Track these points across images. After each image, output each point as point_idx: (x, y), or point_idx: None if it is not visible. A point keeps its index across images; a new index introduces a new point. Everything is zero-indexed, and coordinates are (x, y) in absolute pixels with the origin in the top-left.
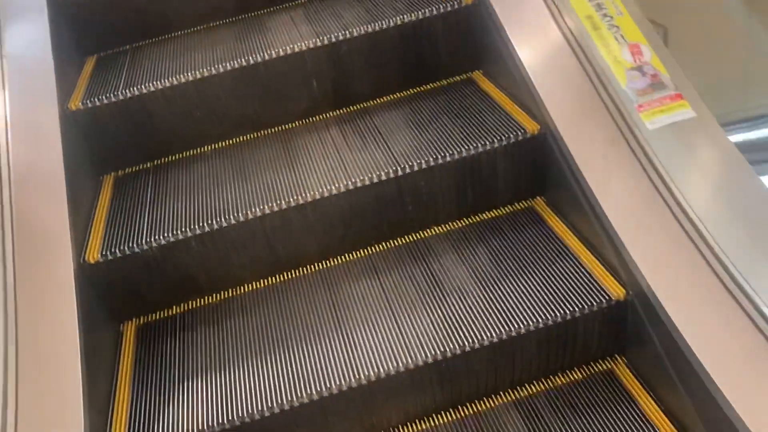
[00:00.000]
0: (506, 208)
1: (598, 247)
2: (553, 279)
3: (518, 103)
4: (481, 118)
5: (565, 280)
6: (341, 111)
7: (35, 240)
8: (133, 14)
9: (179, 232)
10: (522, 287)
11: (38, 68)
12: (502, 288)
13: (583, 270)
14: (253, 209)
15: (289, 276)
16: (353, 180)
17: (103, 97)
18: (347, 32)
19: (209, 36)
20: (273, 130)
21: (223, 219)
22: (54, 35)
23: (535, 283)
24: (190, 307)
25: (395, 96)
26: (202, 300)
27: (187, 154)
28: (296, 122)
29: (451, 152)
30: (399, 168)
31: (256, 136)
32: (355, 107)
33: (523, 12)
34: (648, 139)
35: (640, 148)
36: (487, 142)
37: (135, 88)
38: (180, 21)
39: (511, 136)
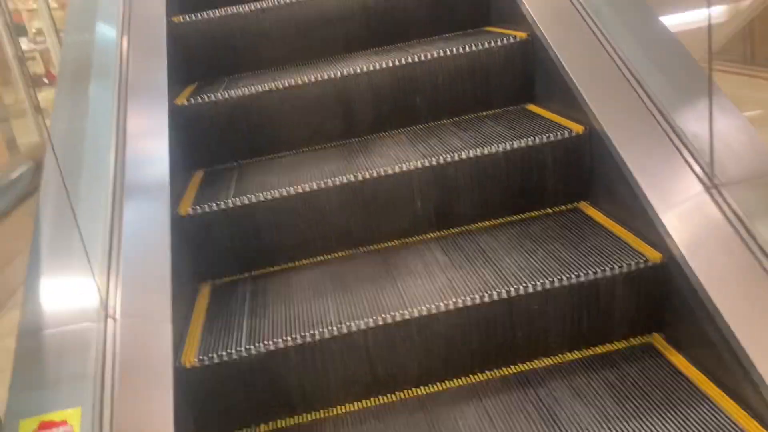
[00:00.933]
0: (622, 342)
1: (743, 395)
2: (690, 424)
3: (634, 231)
4: (595, 244)
5: (705, 427)
6: (443, 232)
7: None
8: (244, 135)
9: (279, 339)
10: (657, 430)
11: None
12: (631, 429)
13: (724, 416)
14: (357, 322)
15: (387, 400)
16: (463, 298)
17: (213, 204)
18: (455, 155)
19: (317, 156)
20: (374, 247)
21: (325, 330)
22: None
23: (670, 427)
24: (279, 426)
25: (498, 221)
26: (293, 419)
27: (287, 266)
28: (397, 241)
29: (568, 276)
30: (512, 289)
31: (356, 252)
32: (457, 229)
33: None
34: None
35: None
36: (607, 268)
37: (244, 198)
38: (288, 143)
39: (632, 263)
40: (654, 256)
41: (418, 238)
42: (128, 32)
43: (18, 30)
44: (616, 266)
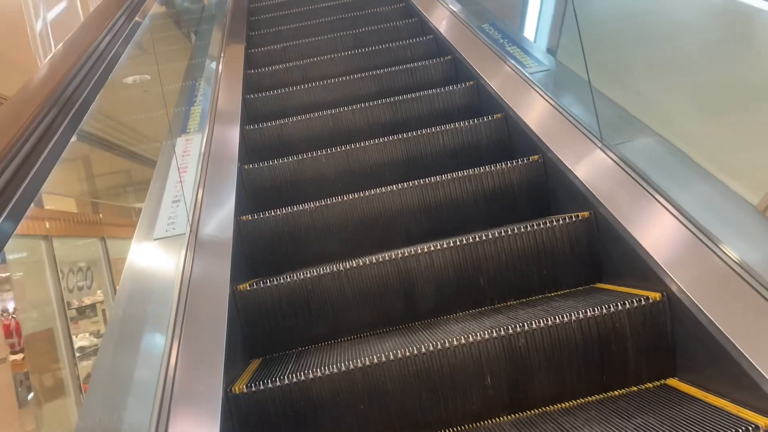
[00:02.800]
0: None
1: None
2: None
3: (737, 401)
4: (693, 415)
5: None
6: (518, 415)
7: None
8: (301, 323)
9: None
10: None
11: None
12: None
13: None
14: None
15: None
16: None
17: (268, 381)
18: (525, 324)
19: (377, 337)
20: None
21: None
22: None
23: None
24: None
25: (579, 401)
26: None
27: None
28: (467, 425)
29: None
30: None
31: None
32: (533, 412)
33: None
34: None
35: None
36: None
37: (300, 374)
38: (348, 329)
39: (740, 431)
40: (765, 423)
41: (492, 422)
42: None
43: None
44: None
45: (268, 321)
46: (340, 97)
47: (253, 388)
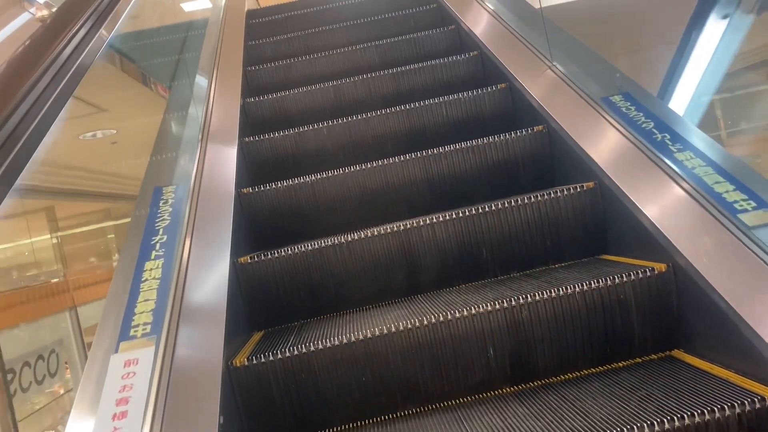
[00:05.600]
0: None
1: None
2: None
3: (742, 372)
4: (697, 387)
5: None
6: (521, 386)
7: None
8: (303, 296)
9: None
10: None
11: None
12: None
13: None
14: None
15: None
16: None
17: (270, 354)
18: (528, 296)
19: (379, 309)
20: (444, 404)
21: None
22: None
23: None
24: None
25: (582, 372)
26: None
27: (347, 426)
28: (469, 396)
29: (670, 417)
30: None
31: (424, 409)
32: (536, 383)
33: (745, 278)
34: None
35: None
36: (716, 409)
37: (301, 346)
38: (350, 301)
39: (746, 403)
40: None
41: (494, 393)
42: None
43: None
44: (726, 407)
45: (269, 294)
46: None
47: (254, 361)
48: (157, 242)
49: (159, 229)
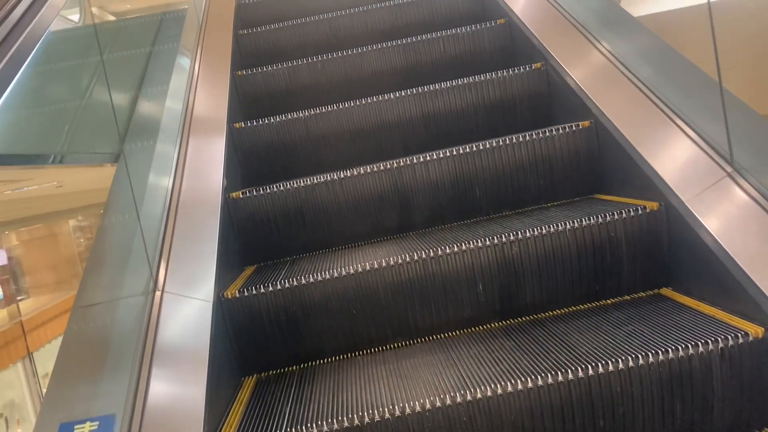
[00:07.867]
0: None
1: None
2: None
3: (729, 310)
4: (684, 323)
5: None
6: (509, 321)
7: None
8: (295, 231)
9: (324, 423)
10: None
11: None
12: None
13: None
14: (412, 404)
15: None
16: (533, 378)
17: (261, 286)
18: (518, 233)
19: (371, 246)
20: (432, 337)
21: (375, 412)
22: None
23: None
24: None
25: (571, 309)
26: None
27: (337, 358)
28: (458, 331)
29: (654, 351)
30: (590, 367)
31: (413, 342)
32: (524, 318)
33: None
34: None
35: None
36: (700, 344)
37: (293, 279)
38: (341, 238)
39: (729, 338)
40: (755, 330)
41: (483, 328)
42: None
43: None
44: (710, 342)
45: (261, 229)
46: None
47: (246, 293)
48: None
49: None
